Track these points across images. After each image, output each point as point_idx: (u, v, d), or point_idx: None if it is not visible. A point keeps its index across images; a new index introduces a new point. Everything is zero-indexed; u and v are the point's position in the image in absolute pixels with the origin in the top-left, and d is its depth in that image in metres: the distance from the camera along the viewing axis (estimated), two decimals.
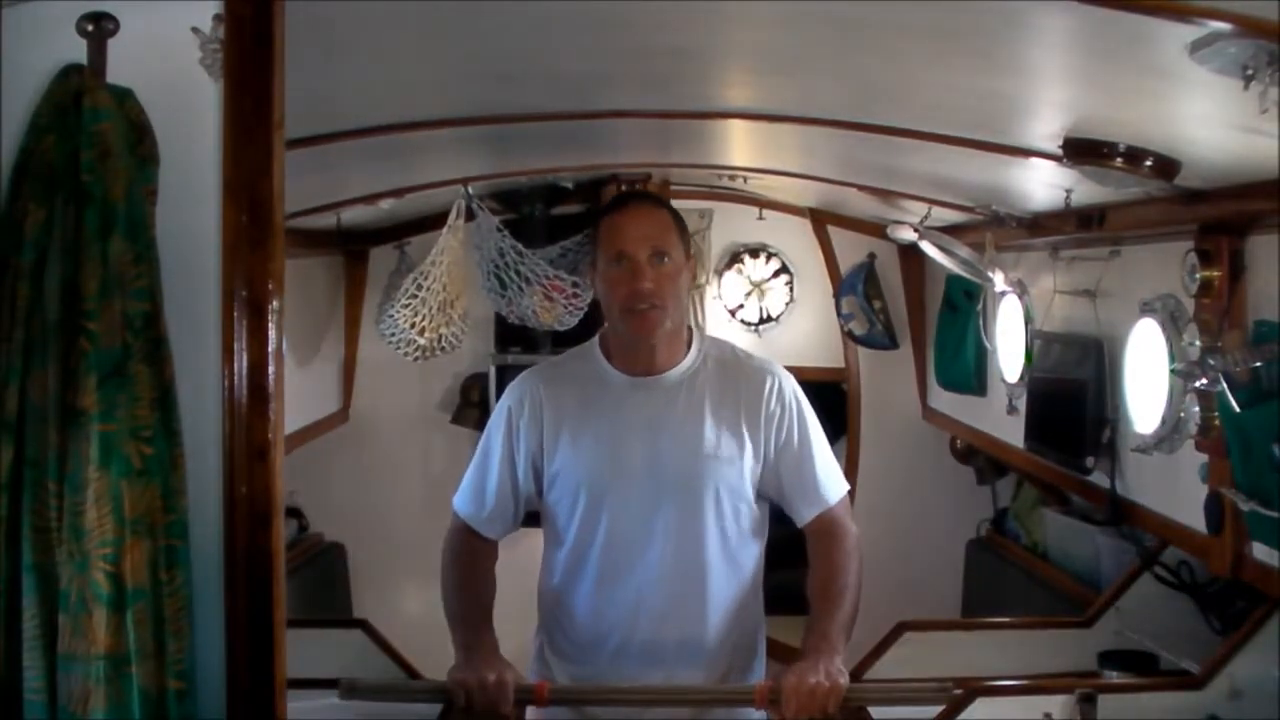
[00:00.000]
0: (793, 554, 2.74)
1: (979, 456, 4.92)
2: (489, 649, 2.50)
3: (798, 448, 2.62)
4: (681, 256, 2.59)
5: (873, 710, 3.21)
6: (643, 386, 2.61)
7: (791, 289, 5.28)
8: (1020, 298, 3.74)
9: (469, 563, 2.67)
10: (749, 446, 2.60)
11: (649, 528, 2.57)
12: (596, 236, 2.64)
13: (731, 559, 2.62)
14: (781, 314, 5.28)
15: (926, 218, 3.87)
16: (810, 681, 2.35)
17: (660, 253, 2.54)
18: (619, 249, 2.55)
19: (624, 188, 4.68)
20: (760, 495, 2.64)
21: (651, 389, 2.61)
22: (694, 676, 2.61)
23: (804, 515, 2.64)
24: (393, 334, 4.25)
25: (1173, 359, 2.65)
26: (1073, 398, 3.22)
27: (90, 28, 1.73)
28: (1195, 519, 2.62)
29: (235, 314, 1.72)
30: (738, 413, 2.61)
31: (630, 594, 2.59)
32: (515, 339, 4.81)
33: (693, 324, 2.87)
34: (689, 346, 2.65)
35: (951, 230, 3.88)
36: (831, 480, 2.66)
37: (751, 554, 2.66)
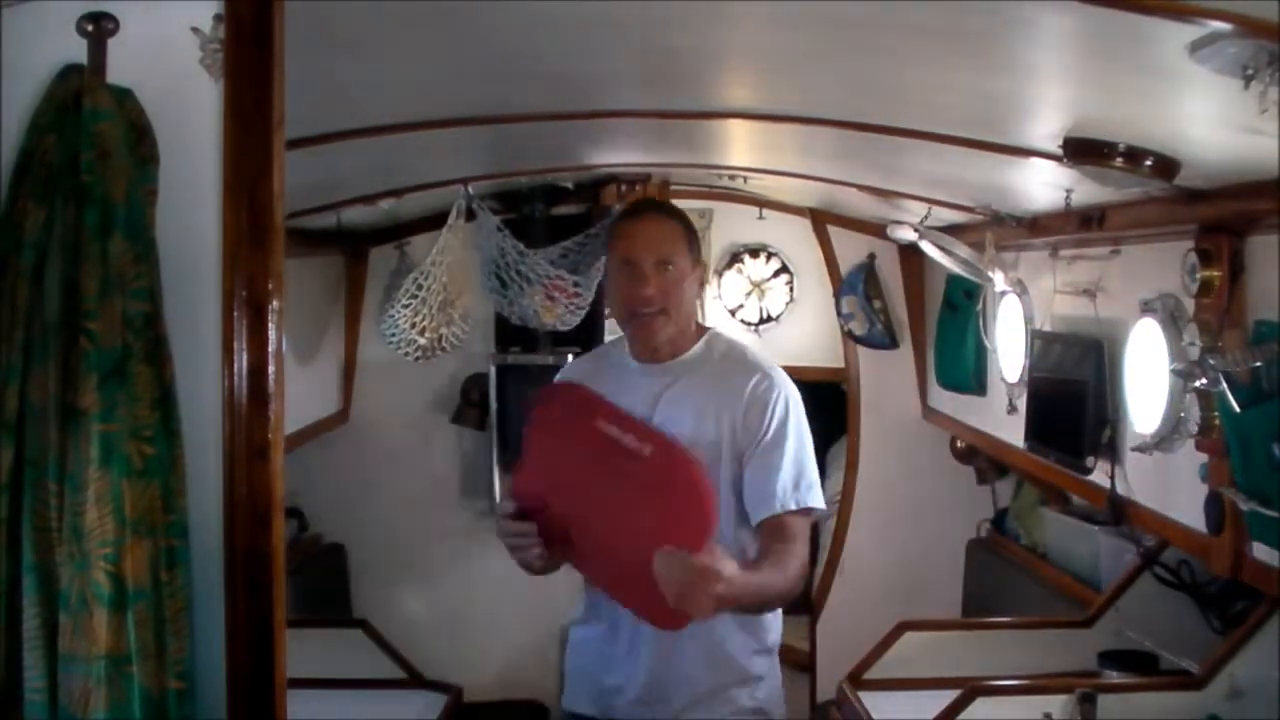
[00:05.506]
0: None
1: (979, 456, 4.92)
2: None
3: (768, 450, 2.61)
4: (687, 264, 2.69)
5: (872, 710, 3.22)
6: (649, 372, 2.71)
7: (791, 289, 5.28)
8: (1020, 297, 3.74)
9: None
10: (726, 436, 2.62)
11: None
12: (608, 241, 2.78)
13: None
14: (781, 314, 5.28)
15: (926, 218, 3.87)
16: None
17: (665, 261, 2.64)
18: (625, 255, 2.67)
19: (624, 188, 4.68)
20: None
21: (656, 374, 2.70)
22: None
23: (755, 516, 2.61)
24: (393, 334, 4.25)
25: (1173, 359, 2.65)
26: (1073, 397, 3.22)
27: (90, 28, 1.73)
28: (1195, 519, 2.61)
29: (235, 314, 1.72)
30: (722, 405, 2.64)
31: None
32: (516, 339, 4.80)
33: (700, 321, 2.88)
34: (698, 339, 2.74)
35: (951, 230, 3.87)
36: (789, 492, 2.59)
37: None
